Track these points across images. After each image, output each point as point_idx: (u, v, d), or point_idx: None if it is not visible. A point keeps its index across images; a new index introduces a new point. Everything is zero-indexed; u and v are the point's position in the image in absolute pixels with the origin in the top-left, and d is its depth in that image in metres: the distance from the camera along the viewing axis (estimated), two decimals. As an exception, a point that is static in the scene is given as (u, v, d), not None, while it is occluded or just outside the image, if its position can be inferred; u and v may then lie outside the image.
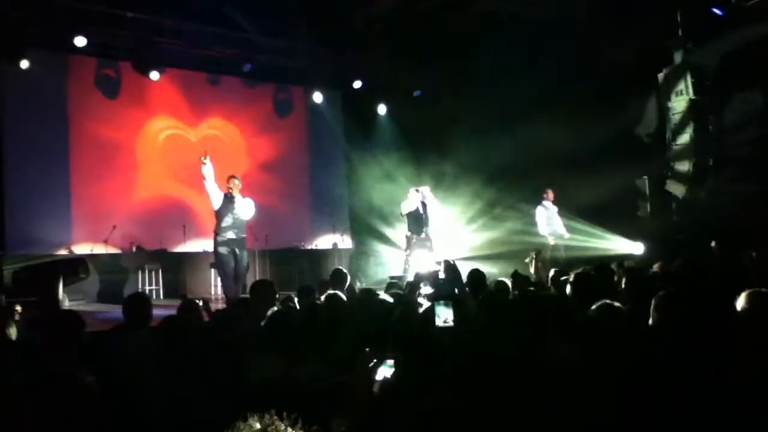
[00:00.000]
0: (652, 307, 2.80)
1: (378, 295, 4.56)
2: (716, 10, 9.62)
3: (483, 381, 2.49)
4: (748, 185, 8.94)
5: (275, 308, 3.94)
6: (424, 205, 10.17)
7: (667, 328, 2.61)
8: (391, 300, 4.36)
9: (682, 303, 2.76)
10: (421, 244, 9.99)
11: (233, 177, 8.57)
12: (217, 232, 8.47)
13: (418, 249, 9.93)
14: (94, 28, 10.01)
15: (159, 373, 3.27)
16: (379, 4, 11.16)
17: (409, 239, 10.19)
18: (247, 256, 8.79)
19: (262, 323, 3.78)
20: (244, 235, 8.61)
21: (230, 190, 8.41)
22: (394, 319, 3.59)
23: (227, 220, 8.41)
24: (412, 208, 10.12)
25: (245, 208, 8.49)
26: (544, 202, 10.77)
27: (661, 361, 2.48)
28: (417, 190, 10.31)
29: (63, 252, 10.10)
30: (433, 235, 10.28)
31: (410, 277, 8.12)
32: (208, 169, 8.31)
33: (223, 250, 8.42)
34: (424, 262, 9.42)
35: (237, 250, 8.43)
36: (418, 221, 10.09)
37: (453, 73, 12.04)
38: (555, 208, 10.79)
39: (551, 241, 10.50)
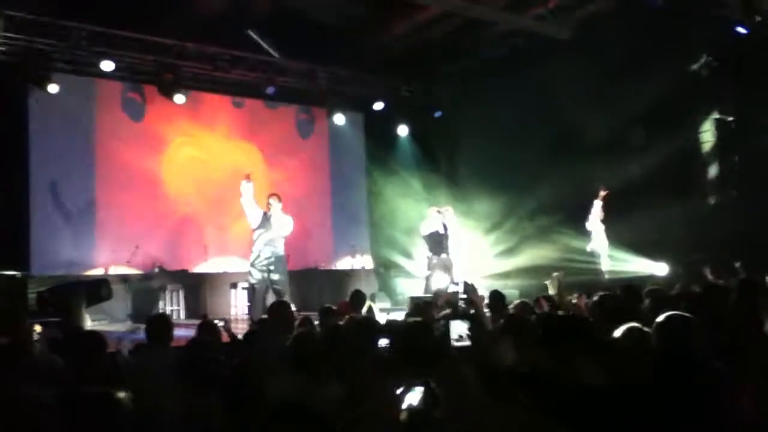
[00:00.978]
0: (653, 329, 2.77)
1: (377, 323, 4.55)
2: (740, 29, 9.52)
3: (506, 403, 2.47)
4: None
5: (300, 329, 3.93)
6: (445, 227, 10.10)
7: (676, 349, 2.57)
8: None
9: (683, 327, 2.72)
10: (442, 265, 9.93)
11: (273, 195, 8.58)
12: (253, 250, 8.49)
13: (438, 270, 9.86)
14: (121, 53, 10.22)
15: (180, 392, 3.29)
16: (400, 26, 11.27)
17: (429, 260, 10.13)
18: (286, 276, 8.72)
19: (287, 344, 3.79)
20: (282, 254, 8.56)
21: (269, 208, 8.45)
22: (405, 338, 3.58)
23: (262, 239, 8.41)
24: (433, 230, 10.05)
25: (282, 227, 8.48)
26: (595, 201, 10.42)
27: (674, 383, 2.44)
28: (438, 211, 10.23)
29: (91, 272, 10.23)
30: (453, 257, 10.21)
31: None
32: (247, 188, 8.37)
33: (256, 268, 8.42)
34: (444, 283, 9.39)
35: (272, 269, 8.41)
36: (438, 243, 10.01)
37: (473, 94, 12.07)
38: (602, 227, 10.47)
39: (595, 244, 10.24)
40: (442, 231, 9.93)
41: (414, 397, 2.46)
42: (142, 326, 4.74)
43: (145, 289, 10.51)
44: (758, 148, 9.08)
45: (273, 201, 8.45)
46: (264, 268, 8.39)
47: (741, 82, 9.52)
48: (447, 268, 9.87)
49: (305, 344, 3.65)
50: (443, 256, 9.92)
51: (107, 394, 2.20)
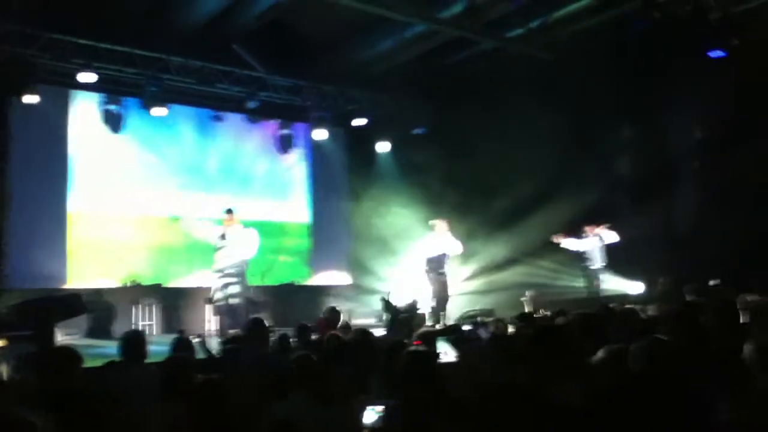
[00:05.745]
0: (632, 353, 2.78)
1: (372, 335, 4.56)
2: (719, 52, 9.65)
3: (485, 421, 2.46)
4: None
5: (301, 352, 3.88)
6: (446, 247, 9.91)
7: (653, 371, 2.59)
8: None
9: (665, 349, 2.74)
10: (438, 283, 9.75)
11: (227, 211, 8.75)
12: (214, 266, 8.59)
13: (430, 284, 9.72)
14: (102, 65, 10.14)
15: (155, 410, 3.24)
16: (383, 43, 11.33)
17: (427, 274, 9.90)
18: (245, 291, 8.82)
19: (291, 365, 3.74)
20: (241, 269, 8.65)
21: (226, 223, 8.66)
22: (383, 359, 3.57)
23: (222, 254, 8.55)
24: (436, 250, 9.83)
25: (240, 246, 8.54)
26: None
27: (653, 405, 2.45)
28: (438, 230, 9.88)
29: (66, 286, 10.09)
30: (449, 276, 10.07)
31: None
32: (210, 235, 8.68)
33: (217, 284, 8.56)
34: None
35: (230, 283, 8.48)
36: (439, 263, 9.86)
37: (455, 111, 12.15)
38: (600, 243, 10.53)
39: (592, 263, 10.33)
40: (442, 252, 9.81)
41: (374, 414, 2.48)
42: None
43: (118, 303, 10.37)
44: (738, 166, 9.21)
45: (226, 218, 8.60)
46: (223, 283, 8.50)
47: (723, 102, 9.61)
48: (440, 281, 9.71)
49: (307, 365, 3.54)
50: (441, 277, 9.79)
51: (22, 419, 2.09)
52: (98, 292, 10.24)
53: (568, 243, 10.57)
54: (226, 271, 8.54)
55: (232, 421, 2.87)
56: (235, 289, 8.54)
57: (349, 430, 2.72)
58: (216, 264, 8.61)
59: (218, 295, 8.56)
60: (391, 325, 6.68)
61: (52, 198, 10.50)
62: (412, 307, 6.88)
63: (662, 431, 2.39)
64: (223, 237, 8.60)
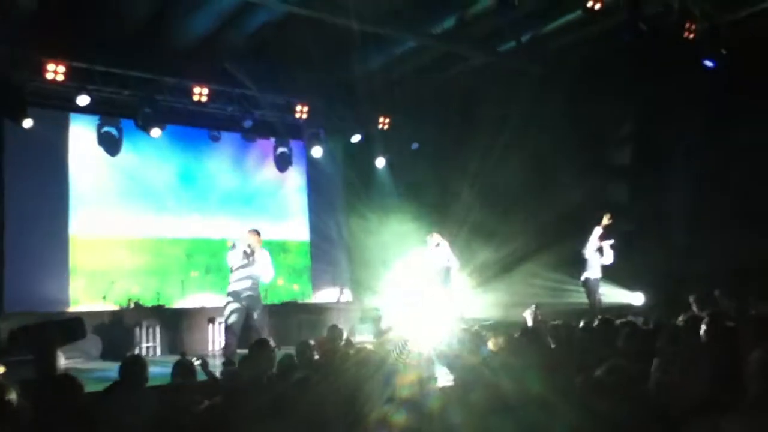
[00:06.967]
0: (653, 367, 2.76)
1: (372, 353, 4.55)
2: (708, 62, 9.73)
3: None
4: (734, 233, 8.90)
5: (301, 374, 3.86)
6: (448, 258, 9.85)
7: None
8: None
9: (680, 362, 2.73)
10: (442, 292, 9.68)
11: (253, 231, 8.55)
12: (230, 287, 8.45)
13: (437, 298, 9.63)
14: (97, 88, 10.18)
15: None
16: (376, 60, 11.40)
17: (432, 288, 9.83)
18: (264, 315, 8.72)
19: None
20: (259, 293, 8.57)
21: (249, 246, 8.41)
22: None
23: (241, 274, 8.37)
24: (440, 263, 9.76)
25: (263, 268, 8.43)
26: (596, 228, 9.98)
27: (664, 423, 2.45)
28: (438, 244, 9.77)
29: (66, 309, 10.07)
30: (456, 288, 9.95)
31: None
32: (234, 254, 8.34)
33: (233, 306, 8.35)
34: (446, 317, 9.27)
35: (250, 307, 8.36)
36: (445, 276, 9.77)
37: (449, 126, 12.20)
38: (599, 255, 10.09)
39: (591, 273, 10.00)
40: (446, 263, 9.73)
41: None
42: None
43: (120, 325, 10.35)
44: (731, 176, 9.24)
45: (253, 238, 8.43)
46: (242, 306, 8.32)
47: (712, 113, 9.67)
48: (449, 297, 9.68)
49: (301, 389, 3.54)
50: (447, 291, 9.72)
51: None
52: (101, 315, 10.23)
53: (594, 235, 10.01)
54: (247, 294, 8.33)
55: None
56: (255, 313, 8.40)
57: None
58: (235, 285, 8.38)
59: (233, 318, 8.31)
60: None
61: (53, 221, 10.49)
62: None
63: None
64: (248, 259, 8.42)
